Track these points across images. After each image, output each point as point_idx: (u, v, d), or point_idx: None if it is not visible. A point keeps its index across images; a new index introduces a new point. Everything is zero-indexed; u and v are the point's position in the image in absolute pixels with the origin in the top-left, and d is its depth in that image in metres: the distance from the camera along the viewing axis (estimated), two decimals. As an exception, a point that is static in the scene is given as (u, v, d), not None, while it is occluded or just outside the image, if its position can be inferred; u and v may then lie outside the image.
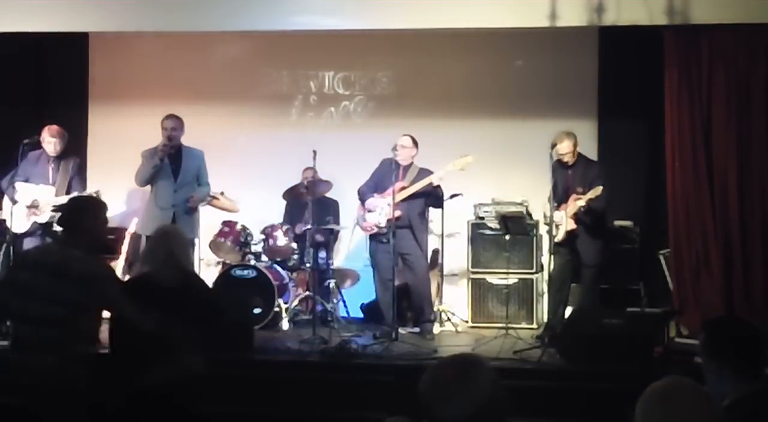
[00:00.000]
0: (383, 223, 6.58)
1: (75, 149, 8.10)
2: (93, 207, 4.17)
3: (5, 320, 3.98)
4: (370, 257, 6.89)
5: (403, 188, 6.56)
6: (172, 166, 6.63)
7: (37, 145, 6.85)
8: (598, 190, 6.22)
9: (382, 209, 6.60)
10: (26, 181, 6.78)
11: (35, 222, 6.77)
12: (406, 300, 6.94)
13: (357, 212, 6.89)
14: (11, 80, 7.83)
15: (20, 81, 8.07)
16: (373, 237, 6.77)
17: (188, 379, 3.94)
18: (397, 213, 6.49)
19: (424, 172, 6.63)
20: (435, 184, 6.53)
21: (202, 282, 4.65)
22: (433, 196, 6.68)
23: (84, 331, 3.87)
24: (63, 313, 3.75)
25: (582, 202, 6.27)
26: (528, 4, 6.39)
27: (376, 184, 6.76)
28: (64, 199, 6.85)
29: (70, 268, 3.80)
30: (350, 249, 7.70)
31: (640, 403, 2.02)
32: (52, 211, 6.96)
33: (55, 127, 6.93)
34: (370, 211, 6.70)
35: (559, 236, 6.34)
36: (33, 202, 6.75)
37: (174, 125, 6.61)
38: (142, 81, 8.17)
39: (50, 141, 6.85)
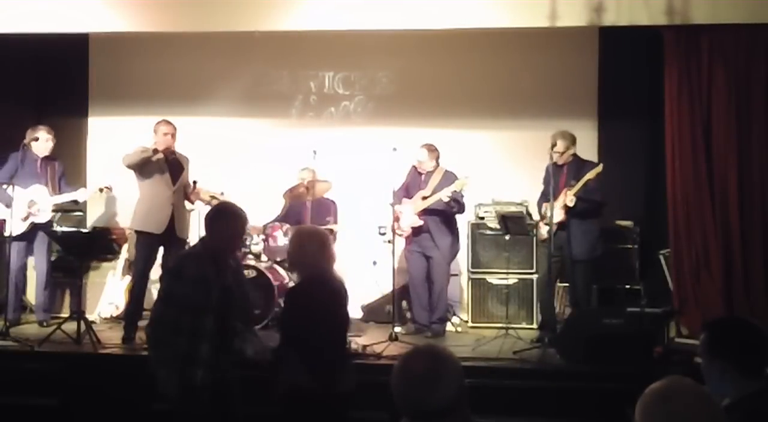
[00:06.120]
0: (407, 231, 6.75)
1: (75, 149, 8.15)
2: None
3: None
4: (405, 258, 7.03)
5: (424, 198, 6.69)
6: (171, 170, 6.47)
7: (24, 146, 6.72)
8: (599, 168, 6.18)
9: (407, 217, 6.74)
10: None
11: (32, 223, 6.73)
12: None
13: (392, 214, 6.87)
14: (11, 80, 7.84)
15: (20, 81, 8.07)
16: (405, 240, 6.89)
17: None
18: (419, 222, 6.69)
19: (448, 175, 6.72)
20: (444, 200, 6.59)
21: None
22: (453, 206, 6.69)
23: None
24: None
25: (574, 191, 6.19)
26: (528, 4, 6.40)
27: (406, 189, 6.90)
28: (62, 199, 6.84)
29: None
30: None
31: (640, 403, 2.02)
32: (53, 211, 6.97)
33: (45, 127, 6.92)
34: (398, 217, 6.78)
35: (553, 228, 6.26)
36: (30, 203, 6.71)
37: (172, 131, 6.44)
38: (142, 81, 8.16)
39: (49, 140, 6.85)
